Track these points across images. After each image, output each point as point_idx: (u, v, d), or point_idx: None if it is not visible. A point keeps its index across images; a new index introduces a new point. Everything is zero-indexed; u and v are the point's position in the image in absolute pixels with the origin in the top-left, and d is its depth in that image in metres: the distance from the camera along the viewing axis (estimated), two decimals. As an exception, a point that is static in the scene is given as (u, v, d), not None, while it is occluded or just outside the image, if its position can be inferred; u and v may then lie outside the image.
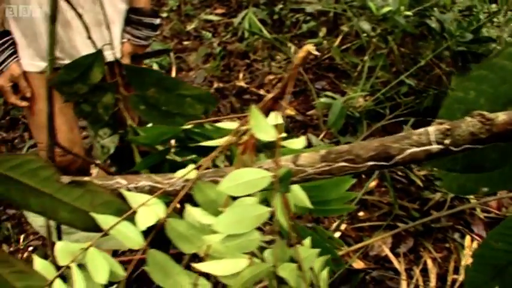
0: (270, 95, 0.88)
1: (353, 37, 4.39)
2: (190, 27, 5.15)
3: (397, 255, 2.67)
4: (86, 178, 0.92)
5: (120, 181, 0.98)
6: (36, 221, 1.59)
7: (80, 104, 1.38)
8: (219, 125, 1.06)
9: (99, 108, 1.36)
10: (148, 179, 0.96)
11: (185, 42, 4.99)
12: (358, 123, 3.39)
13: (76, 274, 0.81)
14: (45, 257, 0.96)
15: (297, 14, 5.11)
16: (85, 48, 2.18)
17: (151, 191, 0.92)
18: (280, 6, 5.16)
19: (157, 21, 2.30)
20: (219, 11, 5.70)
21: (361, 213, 2.91)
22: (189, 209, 0.83)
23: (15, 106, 2.31)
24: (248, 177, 0.78)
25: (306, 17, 4.87)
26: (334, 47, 4.08)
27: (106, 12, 2.18)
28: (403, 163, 0.90)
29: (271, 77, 4.28)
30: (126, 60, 2.28)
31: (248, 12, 4.68)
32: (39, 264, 0.87)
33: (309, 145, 3.18)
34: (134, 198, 0.86)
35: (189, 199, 0.88)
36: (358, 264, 2.60)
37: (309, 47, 0.82)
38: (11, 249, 3.61)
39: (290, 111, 3.78)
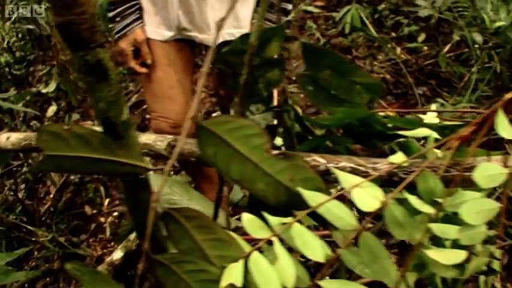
0: (508, 95, 0.85)
1: (453, 46, 4.32)
2: (290, 16, 5.13)
3: (492, 269, 2.64)
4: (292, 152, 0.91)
5: (318, 159, 0.96)
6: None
7: (238, 76, 1.36)
8: (419, 116, 1.04)
9: (260, 83, 1.33)
10: (350, 160, 0.94)
11: (286, 30, 4.97)
12: (463, 134, 3.33)
13: (279, 248, 0.79)
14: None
15: (397, 15, 5.05)
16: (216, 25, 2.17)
17: (352, 172, 0.90)
18: (383, 5, 5.10)
19: (290, 6, 2.27)
20: (319, 3, 5.66)
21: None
22: (408, 197, 0.81)
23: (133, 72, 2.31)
24: (490, 171, 0.76)
25: (409, 21, 4.80)
26: (441, 54, 4.00)
27: None
28: None
29: (373, 76, 4.22)
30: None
31: (352, 7, 4.65)
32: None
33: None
34: (346, 179, 0.84)
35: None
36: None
37: None
38: (94, 211, 3.64)
39: (390, 113, 3.72)
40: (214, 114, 4.05)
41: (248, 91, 1.38)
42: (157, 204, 0.81)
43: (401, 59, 4.29)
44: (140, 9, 2.25)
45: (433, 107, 2.84)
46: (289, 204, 0.87)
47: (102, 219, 3.56)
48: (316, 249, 0.77)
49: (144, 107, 4.58)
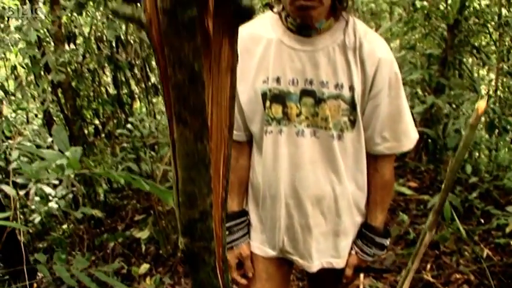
0: None
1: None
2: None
3: None
4: None
5: None
6: None
7: None
8: None
9: None
10: None
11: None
12: None
13: None
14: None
15: (488, 205, 5.03)
16: (316, 254, 2.30)
17: None
18: (474, 194, 5.10)
19: (387, 242, 2.37)
20: (412, 184, 5.67)
21: None
22: None
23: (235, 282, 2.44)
24: None
25: (501, 213, 4.78)
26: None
27: (344, 224, 2.29)
28: None
29: (458, 275, 4.19)
30: (348, 271, 2.37)
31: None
32: None
33: None
34: None
35: None
36: None
37: None
38: None
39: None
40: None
41: None
42: None
43: (488, 261, 4.22)
44: (249, 224, 2.40)
45: None
46: None
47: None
48: None
49: None
